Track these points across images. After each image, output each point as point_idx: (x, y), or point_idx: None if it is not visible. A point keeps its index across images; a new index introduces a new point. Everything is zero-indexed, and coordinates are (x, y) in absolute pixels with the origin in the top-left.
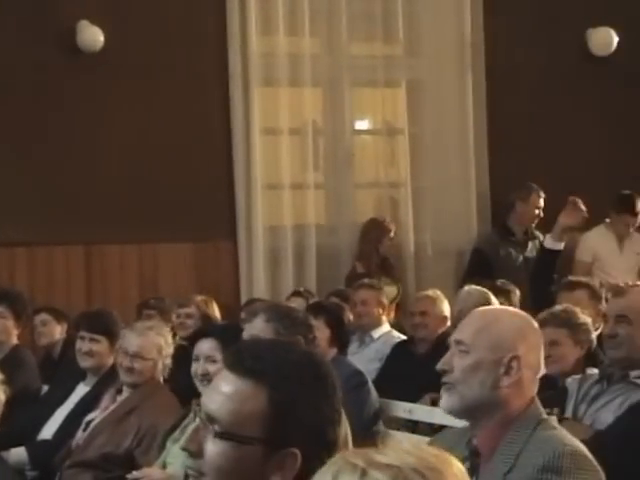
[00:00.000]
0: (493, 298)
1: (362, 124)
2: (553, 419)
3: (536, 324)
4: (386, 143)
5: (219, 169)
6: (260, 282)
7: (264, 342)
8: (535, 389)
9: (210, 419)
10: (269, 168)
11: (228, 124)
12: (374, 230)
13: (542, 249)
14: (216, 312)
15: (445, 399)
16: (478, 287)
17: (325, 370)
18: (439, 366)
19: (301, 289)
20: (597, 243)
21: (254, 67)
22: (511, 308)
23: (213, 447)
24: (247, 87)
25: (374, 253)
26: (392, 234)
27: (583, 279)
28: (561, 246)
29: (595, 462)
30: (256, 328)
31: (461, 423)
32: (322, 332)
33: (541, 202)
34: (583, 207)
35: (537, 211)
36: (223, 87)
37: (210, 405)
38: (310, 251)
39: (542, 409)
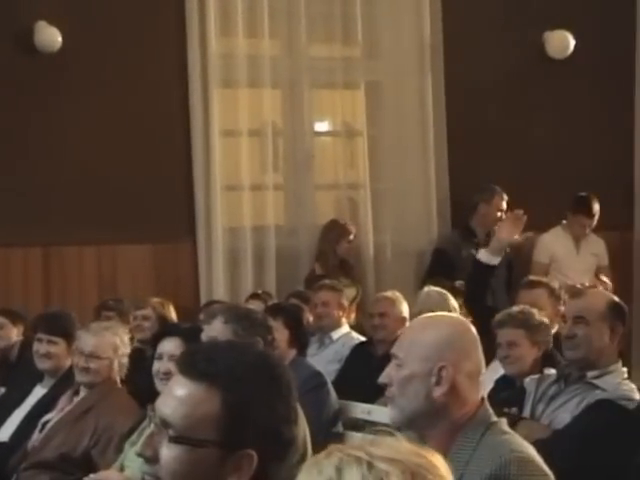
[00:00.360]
0: (452, 299)
1: (321, 126)
2: (503, 422)
3: (470, 328)
4: (345, 145)
5: (178, 170)
6: (219, 283)
7: (217, 345)
8: (477, 393)
9: (164, 424)
10: (228, 169)
11: (187, 125)
12: (333, 231)
13: (476, 262)
14: (172, 314)
15: (389, 412)
16: (437, 288)
17: (279, 370)
18: (380, 380)
19: (259, 291)
20: (554, 244)
21: (213, 68)
22: (444, 314)
23: (168, 452)
24: (206, 88)
25: (332, 254)
26: (352, 236)
27: (543, 279)
28: (496, 261)
29: (544, 467)
30: (215, 330)
31: None
32: (281, 333)
33: (504, 204)
34: (523, 221)
35: (499, 213)
36: (182, 88)
37: (164, 410)
38: (270, 252)
39: (491, 412)
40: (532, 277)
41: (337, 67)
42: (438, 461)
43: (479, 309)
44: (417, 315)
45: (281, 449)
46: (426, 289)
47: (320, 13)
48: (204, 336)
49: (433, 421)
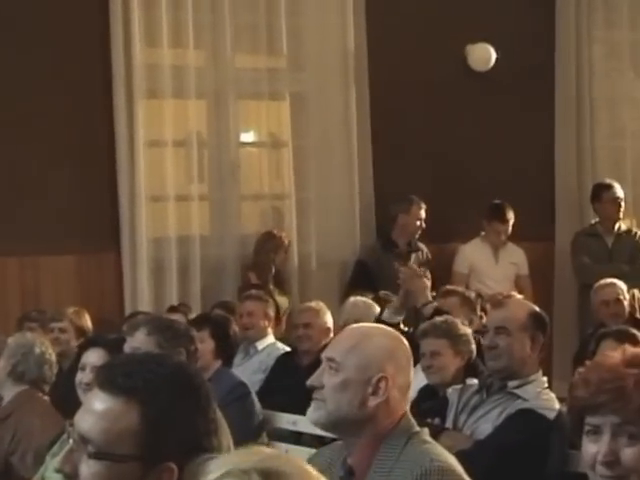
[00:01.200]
0: (378, 309)
1: (247, 136)
2: (425, 432)
3: (406, 343)
4: (271, 155)
5: (103, 181)
6: (144, 294)
7: (134, 358)
8: (405, 406)
9: (83, 439)
10: (153, 180)
11: (112, 135)
12: (270, 242)
13: (378, 322)
14: (88, 323)
15: (312, 412)
16: (363, 298)
17: (198, 382)
18: (309, 382)
19: (176, 304)
20: (473, 254)
21: (138, 79)
22: (383, 327)
23: (88, 468)
24: (131, 99)
25: (270, 265)
26: (287, 248)
27: (457, 288)
28: (398, 320)
29: (465, 477)
30: (137, 341)
31: None
32: (207, 344)
33: (422, 213)
34: (420, 275)
35: (419, 222)
36: (107, 98)
37: (83, 425)
38: (195, 262)
39: (414, 422)
40: (448, 286)
41: (262, 78)
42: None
43: None
44: (343, 325)
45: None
46: (352, 299)
47: (245, 24)
48: (127, 347)
49: (359, 429)
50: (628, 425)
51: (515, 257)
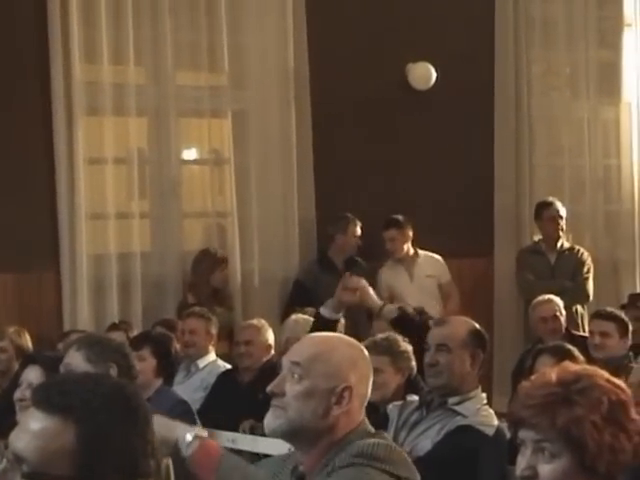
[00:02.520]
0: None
1: (189, 153)
2: (382, 434)
3: (367, 354)
4: (213, 172)
5: (42, 198)
6: (84, 312)
7: (72, 376)
8: (362, 417)
9: (18, 459)
10: (94, 197)
11: (51, 153)
12: (205, 261)
13: (317, 316)
14: (28, 342)
15: (271, 420)
16: (305, 316)
17: (136, 401)
18: (270, 388)
19: (116, 321)
20: (388, 277)
21: (78, 96)
22: (345, 337)
23: None
24: (71, 116)
25: (205, 285)
26: (225, 265)
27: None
28: (338, 316)
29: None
30: (70, 357)
31: (284, 451)
32: (148, 362)
33: (358, 231)
34: (357, 287)
35: (355, 240)
36: (46, 116)
37: (18, 444)
38: (135, 280)
39: (371, 428)
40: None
41: (204, 95)
42: None
43: None
44: (285, 342)
45: None
46: (294, 317)
47: (186, 41)
48: (62, 367)
49: (318, 438)
50: (545, 442)
51: (430, 269)
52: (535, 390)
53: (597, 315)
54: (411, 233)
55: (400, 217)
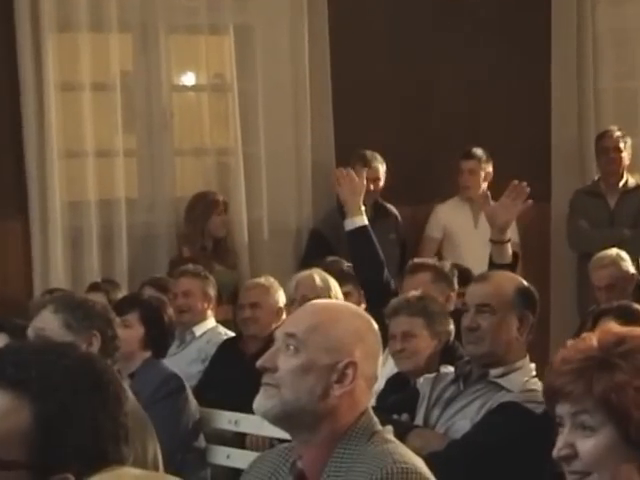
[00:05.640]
0: (336, 285)
1: (183, 78)
2: (388, 430)
3: (376, 327)
4: (212, 101)
5: (4, 134)
6: (58, 270)
7: (30, 346)
8: (368, 402)
9: None
10: (68, 132)
11: (15, 78)
12: (200, 206)
13: (348, 235)
14: None
15: (261, 400)
16: (324, 273)
17: (107, 378)
18: (260, 362)
19: (98, 280)
20: (448, 216)
21: (47, 8)
22: (351, 305)
23: None
24: (38, 32)
25: (201, 236)
26: (223, 209)
27: (427, 260)
28: (363, 220)
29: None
30: (42, 321)
31: None
32: (135, 330)
33: (382, 170)
34: (357, 177)
35: (379, 182)
36: (8, 34)
37: None
38: (120, 231)
39: (376, 420)
40: (416, 260)
41: (200, 7)
42: None
43: (374, 288)
44: (298, 302)
45: None
46: (308, 272)
47: None
48: (30, 329)
49: (317, 424)
50: (583, 414)
51: None
52: (571, 355)
53: None
54: (491, 171)
55: (480, 149)
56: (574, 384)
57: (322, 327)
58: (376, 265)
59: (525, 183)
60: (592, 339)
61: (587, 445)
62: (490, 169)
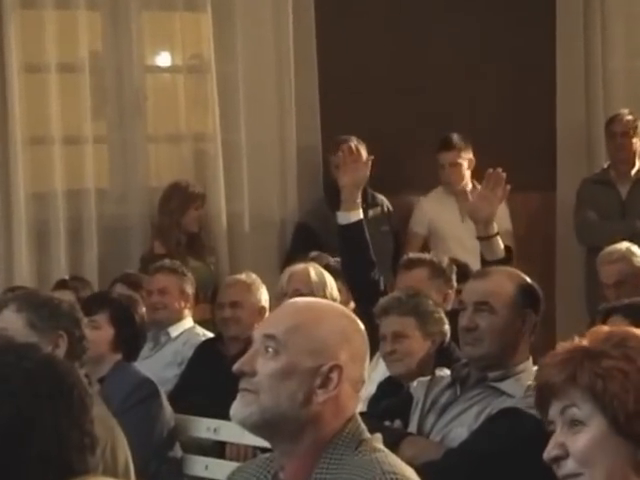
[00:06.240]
0: (331, 280)
1: (157, 59)
2: (377, 438)
3: (362, 328)
4: (188, 83)
5: None
6: (22, 266)
7: None
8: (355, 408)
9: None
10: (32, 117)
11: None
12: (175, 199)
13: (339, 229)
14: None
15: (239, 407)
16: (315, 265)
17: (71, 381)
18: (237, 366)
19: (66, 277)
20: (433, 210)
21: None
22: (337, 305)
23: None
24: (0, 10)
25: (176, 229)
26: (200, 202)
27: (423, 255)
28: (359, 215)
29: None
30: (4, 321)
31: None
32: (104, 331)
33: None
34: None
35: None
36: None
37: None
38: (89, 224)
39: (363, 427)
40: (411, 254)
41: None
42: None
43: (363, 287)
44: (289, 297)
45: None
46: (303, 265)
47: None
48: None
49: (299, 432)
50: (571, 407)
51: None
52: (558, 351)
53: None
54: (472, 157)
55: (457, 136)
56: (558, 375)
57: (304, 328)
58: (367, 263)
59: (500, 169)
60: (584, 338)
61: (578, 442)
62: (471, 155)
